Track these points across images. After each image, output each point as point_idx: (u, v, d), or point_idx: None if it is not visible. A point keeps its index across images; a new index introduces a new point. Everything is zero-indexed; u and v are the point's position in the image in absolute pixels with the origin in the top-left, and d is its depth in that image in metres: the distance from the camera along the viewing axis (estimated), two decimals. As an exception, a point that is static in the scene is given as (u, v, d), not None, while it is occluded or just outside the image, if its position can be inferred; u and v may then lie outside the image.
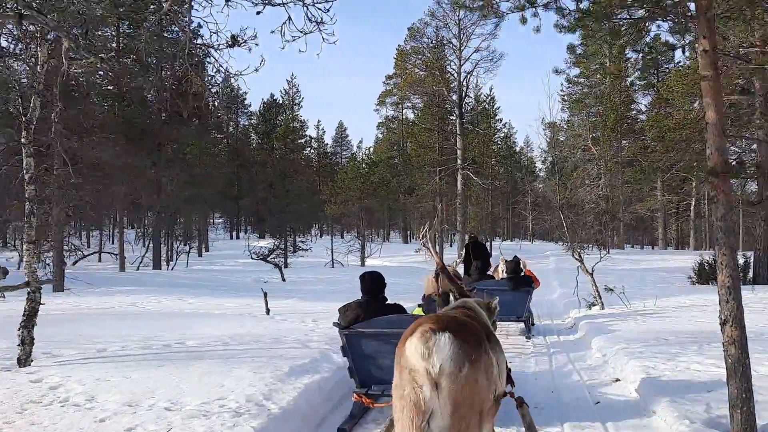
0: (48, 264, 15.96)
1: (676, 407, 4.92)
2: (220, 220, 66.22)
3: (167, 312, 10.76)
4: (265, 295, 9.75)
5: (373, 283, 5.43)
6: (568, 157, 44.43)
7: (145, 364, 6.03)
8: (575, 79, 43.55)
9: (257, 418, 4.50)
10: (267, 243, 29.28)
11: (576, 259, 12.21)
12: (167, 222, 26.38)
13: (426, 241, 5.74)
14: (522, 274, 10.40)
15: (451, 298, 4.39)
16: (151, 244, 26.17)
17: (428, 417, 2.46)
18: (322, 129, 65.86)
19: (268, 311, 9.66)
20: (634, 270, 24.42)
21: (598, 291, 11.96)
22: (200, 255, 39.23)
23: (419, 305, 8.05)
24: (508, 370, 3.65)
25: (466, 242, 13.78)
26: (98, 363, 6.08)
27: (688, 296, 14.00)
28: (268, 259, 23.20)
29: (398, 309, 5.41)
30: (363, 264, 29.38)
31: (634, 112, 45.54)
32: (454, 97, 31.63)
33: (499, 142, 44.56)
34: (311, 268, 26.32)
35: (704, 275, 18.73)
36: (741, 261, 18.60)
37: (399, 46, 35.26)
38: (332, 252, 27.91)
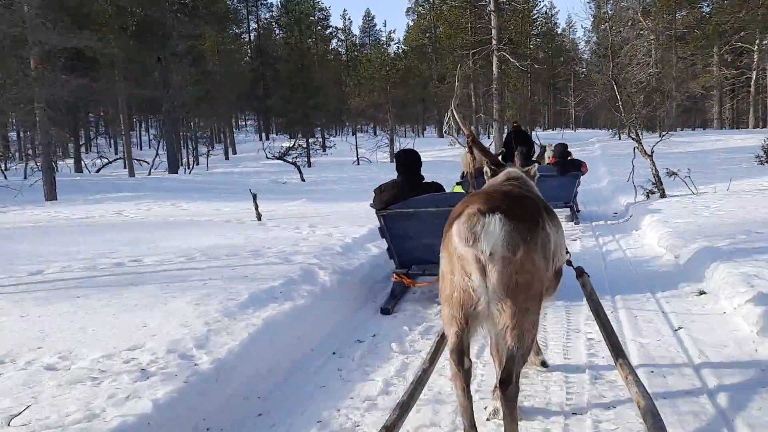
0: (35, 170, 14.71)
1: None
2: (250, 122, 64.66)
3: (150, 221, 9.34)
4: (255, 197, 8.18)
5: (409, 161, 5.20)
6: (616, 33, 40.52)
7: (62, 294, 4.58)
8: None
9: (173, 380, 2.99)
10: (290, 143, 27.51)
11: (633, 138, 10.19)
12: (179, 122, 24.69)
13: (450, 117, 4.59)
14: (570, 159, 9.81)
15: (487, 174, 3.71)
16: (164, 147, 24.64)
17: (477, 303, 2.27)
18: (349, 19, 61.96)
19: (259, 217, 8.12)
20: (691, 153, 22.10)
21: (658, 175, 10.01)
22: (227, 158, 38.02)
23: (457, 183, 7.57)
24: None
25: (509, 130, 13.19)
26: (9, 293, 4.66)
27: (763, 177, 11.90)
28: (285, 158, 21.60)
29: (436, 187, 5.23)
30: (392, 161, 27.64)
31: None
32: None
33: (539, 20, 40.53)
34: (335, 167, 24.73)
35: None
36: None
37: None
38: (356, 148, 26.11)
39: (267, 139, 51.83)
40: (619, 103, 10.26)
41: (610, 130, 38.97)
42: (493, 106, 28.53)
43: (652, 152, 10.05)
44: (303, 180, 19.00)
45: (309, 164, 25.73)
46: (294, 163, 20.43)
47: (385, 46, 30.60)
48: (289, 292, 4.50)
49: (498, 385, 2.42)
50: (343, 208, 9.98)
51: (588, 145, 30.86)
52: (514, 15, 29.65)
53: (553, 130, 54.08)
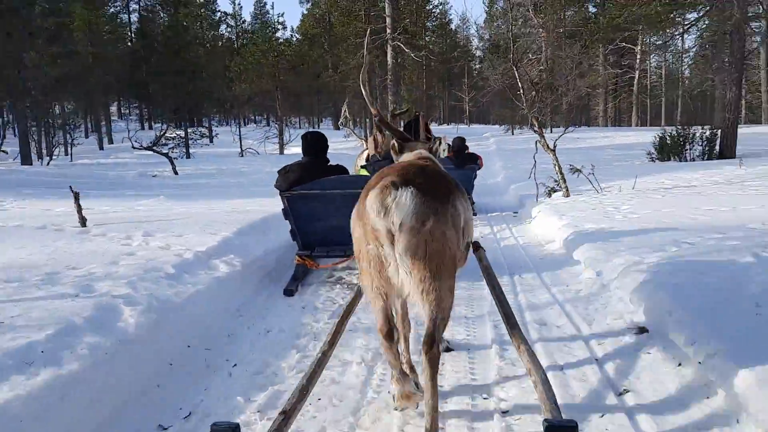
0: None
1: None
2: (135, 108, 60.04)
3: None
4: (77, 197, 6.33)
5: (315, 143, 5.21)
6: (508, 30, 40.74)
7: None
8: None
9: None
10: (169, 132, 24.98)
11: (535, 131, 9.26)
12: (36, 106, 21.55)
13: (345, 109, 5.67)
14: (467, 152, 10.01)
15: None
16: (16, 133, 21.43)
17: (389, 271, 2.36)
18: (239, 4, 58.71)
19: (83, 222, 6.31)
20: (583, 149, 22.02)
21: (561, 172, 9.13)
22: (101, 148, 34.54)
23: (362, 167, 7.47)
24: None
25: (409, 120, 11.85)
26: None
27: (662, 174, 11.46)
28: (154, 148, 19.28)
29: (341, 170, 5.31)
30: (282, 152, 25.86)
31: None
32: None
33: (435, 12, 39.95)
34: (217, 159, 22.64)
35: (666, 150, 16.36)
36: (707, 134, 16.25)
37: None
38: (240, 139, 24.11)
39: (150, 128, 48.12)
40: (521, 91, 9.30)
41: (503, 126, 39.22)
42: (388, 97, 27.47)
43: (555, 147, 9.16)
44: (176, 173, 16.92)
45: (188, 155, 23.45)
46: (166, 154, 18.22)
47: (272, 30, 28.52)
48: (57, 353, 2.91)
49: (423, 348, 2.36)
50: (206, 208, 8.33)
51: (483, 139, 30.55)
52: (408, 4, 28.67)
53: (448, 124, 54.10)
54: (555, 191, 9.51)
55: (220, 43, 51.84)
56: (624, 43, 38.08)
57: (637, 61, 40.41)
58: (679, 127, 16.35)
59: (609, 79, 41.48)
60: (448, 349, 3.48)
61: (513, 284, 4.96)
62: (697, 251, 4.66)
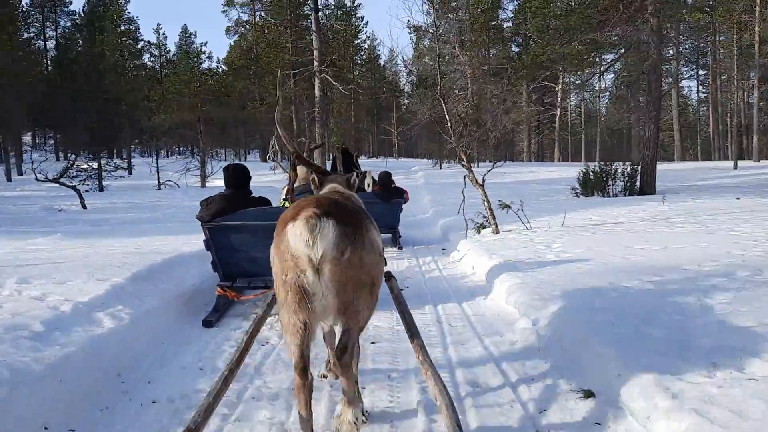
0: None
1: None
2: (50, 138, 56.92)
3: None
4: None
5: (237, 175, 5.21)
6: (434, 66, 41.35)
7: None
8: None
9: None
10: (83, 163, 23.47)
11: (463, 166, 8.94)
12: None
13: (275, 139, 4.58)
14: (394, 186, 9.93)
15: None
16: None
17: (312, 298, 2.43)
18: (163, 34, 57.25)
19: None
20: (509, 183, 22.26)
21: (491, 208, 8.83)
22: (9, 179, 32.28)
23: (284, 199, 7.28)
24: None
25: (335, 154, 12.72)
26: None
27: (589, 210, 11.42)
28: (61, 180, 17.94)
29: (264, 202, 5.33)
30: (204, 185, 24.80)
31: (502, 19, 43.22)
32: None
33: (363, 47, 40.05)
34: (133, 192, 21.39)
35: (589, 186, 16.57)
36: (628, 170, 16.59)
37: None
38: (158, 171, 22.95)
39: (65, 159, 45.55)
40: (448, 124, 9.02)
41: (431, 160, 39.55)
42: (316, 130, 27.07)
43: (484, 182, 8.87)
44: (84, 207, 15.72)
45: (101, 188, 22.06)
46: (73, 187, 16.94)
47: (195, 60, 27.63)
48: None
49: (335, 355, 2.59)
50: (105, 248, 7.48)
51: (411, 173, 30.52)
52: (337, 37, 28.52)
53: (377, 158, 54.19)
54: (484, 227, 9.21)
55: (143, 72, 50.17)
56: (546, 82, 39.39)
57: (558, 99, 41.85)
58: (601, 163, 16.62)
59: (532, 116, 42.71)
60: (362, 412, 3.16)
61: (441, 333, 4.47)
62: (637, 297, 4.33)
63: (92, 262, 6.12)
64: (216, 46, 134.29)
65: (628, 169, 16.43)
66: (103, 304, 4.45)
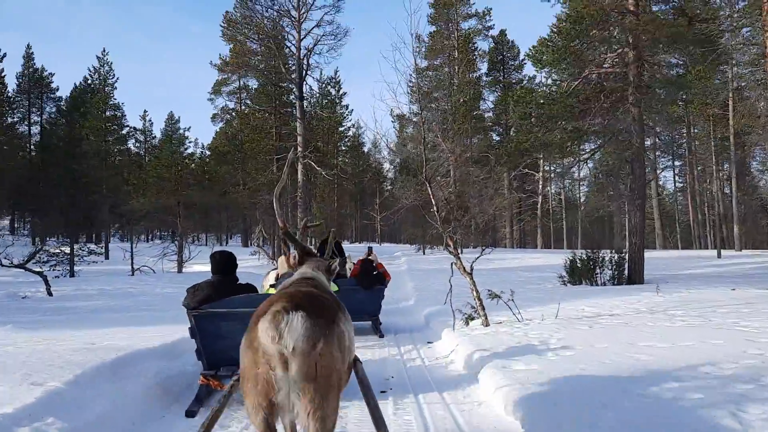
0: None
1: None
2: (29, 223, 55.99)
3: None
4: None
5: (224, 262, 5.18)
6: (418, 153, 41.89)
7: None
8: (424, 71, 41.07)
9: None
10: (64, 248, 22.70)
11: (450, 252, 8.45)
12: None
13: (261, 227, 4.64)
14: (375, 272, 9.69)
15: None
16: None
17: (279, 393, 2.41)
18: (149, 120, 57.78)
19: None
20: (494, 270, 21.80)
21: (480, 298, 8.27)
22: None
23: (271, 285, 7.20)
24: None
25: (323, 239, 13.08)
26: None
27: (580, 300, 10.89)
28: (26, 266, 17.14)
29: (250, 289, 5.32)
30: (180, 270, 24.02)
31: (482, 109, 44.33)
32: (294, 76, 27.15)
33: (348, 134, 40.55)
34: (106, 278, 20.54)
35: (577, 274, 16.15)
36: (615, 258, 16.24)
37: (227, 12, 29.61)
38: (132, 256, 22.20)
39: (42, 243, 44.56)
40: (434, 209, 8.61)
41: (413, 245, 39.25)
42: (298, 214, 26.74)
43: (472, 270, 8.37)
44: (50, 294, 14.89)
45: (72, 274, 21.17)
46: (39, 273, 16.14)
47: (176, 144, 27.45)
48: None
49: None
50: (53, 342, 6.74)
51: (394, 258, 30.03)
52: (321, 124, 28.72)
53: (359, 243, 53.84)
54: (473, 318, 8.61)
55: (128, 157, 50.19)
56: (527, 169, 39.96)
57: (540, 186, 42.30)
58: (588, 250, 16.27)
59: (514, 203, 43.03)
60: None
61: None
62: (660, 409, 3.73)
63: (34, 360, 5.40)
64: (202, 132, 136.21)
65: (616, 257, 16.11)
66: (30, 416, 3.75)
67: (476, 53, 40.46)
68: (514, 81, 44.52)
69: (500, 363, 5.49)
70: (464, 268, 8.26)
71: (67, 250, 21.29)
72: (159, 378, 5.39)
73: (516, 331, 7.48)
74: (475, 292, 8.20)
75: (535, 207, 44.30)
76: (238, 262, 5.41)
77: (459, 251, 8.33)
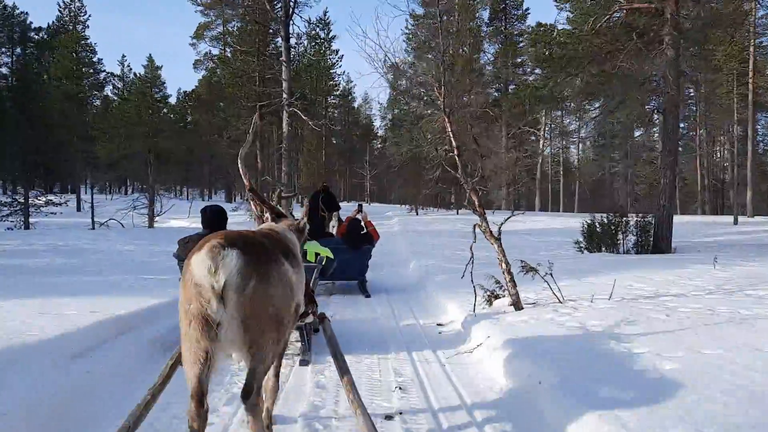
0: None
1: None
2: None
3: None
4: None
5: (214, 217, 5.18)
6: (412, 108, 39.48)
7: None
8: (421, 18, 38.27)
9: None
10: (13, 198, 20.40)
11: (475, 211, 6.36)
12: None
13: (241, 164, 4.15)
14: (363, 232, 9.46)
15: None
16: None
17: (216, 328, 2.42)
18: (128, 65, 54.47)
19: None
20: (513, 233, 19.88)
21: (511, 272, 6.23)
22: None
23: None
24: (312, 291, 4.17)
25: (316, 189, 12.76)
26: None
27: (619, 272, 8.87)
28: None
29: None
30: (151, 225, 21.85)
31: (483, 62, 41.75)
32: (279, 14, 24.48)
33: (337, 82, 37.79)
34: (65, 231, 18.34)
35: (596, 240, 14.21)
36: (642, 223, 14.29)
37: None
38: (92, 208, 19.92)
39: (5, 193, 42.00)
40: (454, 151, 6.44)
41: (406, 206, 37.11)
42: (282, 168, 24.49)
43: (500, 234, 6.32)
44: (-12, 249, 12.75)
45: (27, 226, 18.95)
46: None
47: (149, 86, 24.83)
48: None
49: (240, 398, 2.58)
50: None
51: (386, 219, 28.01)
52: (309, 70, 26.21)
53: (348, 202, 51.78)
54: (497, 297, 6.62)
55: (105, 104, 47.26)
56: (528, 127, 37.77)
57: (541, 146, 40.14)
58: (610, 214, 14.26)
59: (511, 164, 40.86)
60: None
61: None
62: None
63: None
64: (186, 82, 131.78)
65: (642, 221, 14.14)
66: None
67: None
68: (516, 32, 41.86)
69: (573, 385, 3.48)
70: (491, 231, 6.21)
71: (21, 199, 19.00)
72: (41, 394, 3.37)
73: (564, 318, 5.48)
74: (504, 264, 6.16)
75: (534, 169, 42.16)
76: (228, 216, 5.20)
77: (483, 210, 6.24)
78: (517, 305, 6.13)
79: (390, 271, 12.03)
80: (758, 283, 7.25)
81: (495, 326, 5.35)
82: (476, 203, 6.22)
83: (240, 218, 26.00)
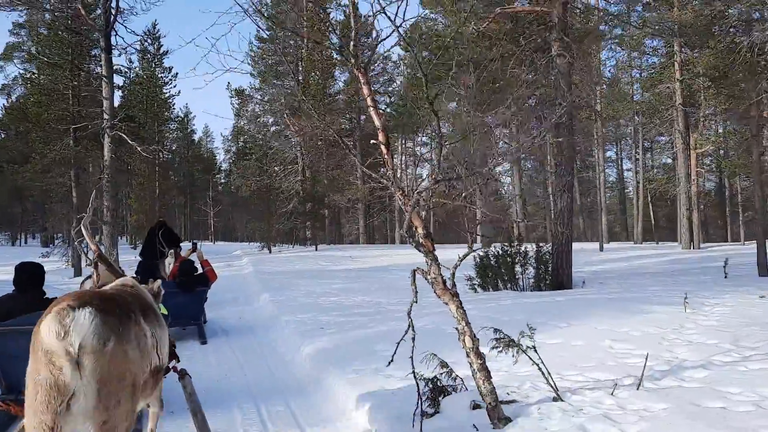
0: None
1: None
2: None
3: None
4: None
5: (29, 275, 4.53)
6: (262, 137, 36.37)
7: None
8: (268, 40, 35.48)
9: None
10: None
11: (420, 248, 3.59)
12: None
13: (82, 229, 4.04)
14: (197, 273, 8.90)
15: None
16: None
17: (69, 399, 2.17)
18: None
19: None
20: (362, 271, 17.51)
21: (480, 355, 3.53)
22: None
23: None
24: (173, 345, 3.66)
25: (153, 225, 11.47)
26: None
27: (574, 323, 6.62)
28: None
29: None
30: None
31: (335, 90, 39.78)
32: (98, 20, 20.43)
33: (172, 104, 33.37)
34: None
35: (491, 274, 12.14)
36: (541, 253, 12.47)
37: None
38: None
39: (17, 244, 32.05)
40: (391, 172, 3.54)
41: (256, 243, 33.52)
42: (104, 203, 20.06)
43: (454, 284, 3.63)
44: None
45: None
46: None
47: None
48: None
49: None
50: None
51: (234, 258, 24.49)
52: (137, 88, 22.23)
53: (189, 241, 46.99)
54: (447, 394, 3.89)
55: None
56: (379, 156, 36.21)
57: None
58: (505, 244, 12.25)
59: (367, 195, 38.98)
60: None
61: None
62: None
63: None
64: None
65: (538, 251, 12.29)
66: None
67: (328, 24, 35.70)
68: (367, 60, 40.55)
69: None
70: (444, 282, 3.50)
71: None
72: None
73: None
74: (468, 338, 3.45)
75: (384, 198, 40.40)
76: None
77: (433, 245, 3.52)
78: (492, 413, 3.43)
79: (256, 346, 8.76)
80: (754, 337, 5.20)
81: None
82: (420, 231, 3.47)
83: (54, 265, 21.08)
